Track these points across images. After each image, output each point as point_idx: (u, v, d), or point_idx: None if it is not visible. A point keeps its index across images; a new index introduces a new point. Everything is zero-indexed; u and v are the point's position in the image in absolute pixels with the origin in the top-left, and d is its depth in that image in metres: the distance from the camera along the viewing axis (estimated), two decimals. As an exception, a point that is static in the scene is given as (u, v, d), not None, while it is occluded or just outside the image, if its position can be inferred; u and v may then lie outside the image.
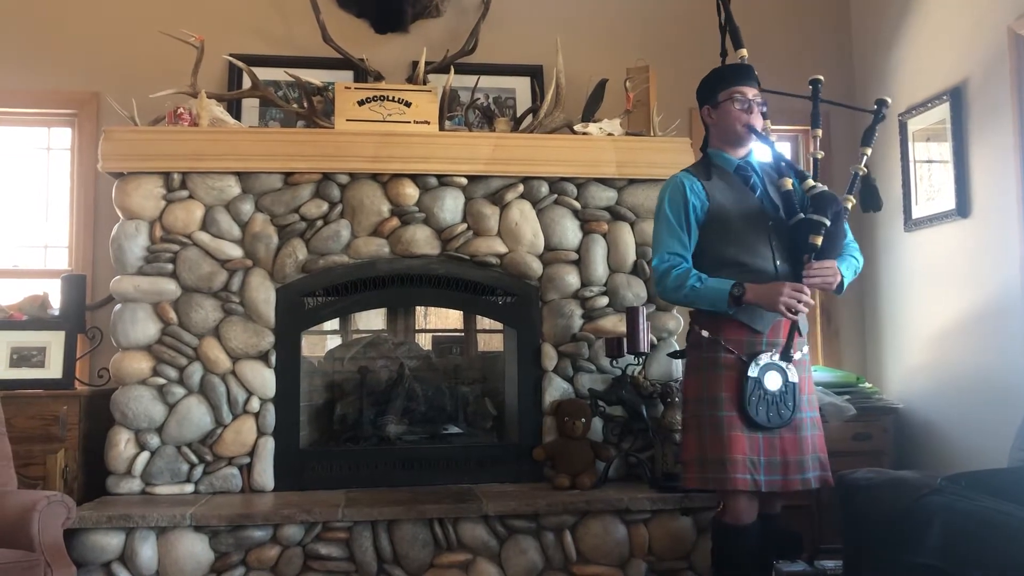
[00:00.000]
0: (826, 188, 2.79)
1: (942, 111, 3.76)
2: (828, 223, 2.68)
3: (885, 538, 2.92)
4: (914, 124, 3.97)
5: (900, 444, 3.89)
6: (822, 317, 4.41)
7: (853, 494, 3.17)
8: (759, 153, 3.00)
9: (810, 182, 2.79)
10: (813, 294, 2.75)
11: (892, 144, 4.12)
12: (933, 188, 3.85)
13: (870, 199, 2.96)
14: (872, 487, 3.11)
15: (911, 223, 3.97)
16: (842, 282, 2.78)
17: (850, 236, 2.90)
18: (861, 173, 2.88)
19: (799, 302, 2.65)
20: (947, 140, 3.73)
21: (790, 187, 2.82)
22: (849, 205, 2.80)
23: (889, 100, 2.95)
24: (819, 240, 2.69)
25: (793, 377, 2.72)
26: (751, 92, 2.88)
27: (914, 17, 4.00)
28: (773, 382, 2.71)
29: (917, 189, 3.96)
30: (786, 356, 2.72)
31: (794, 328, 2.72)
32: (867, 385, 4.02)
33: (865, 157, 2.88)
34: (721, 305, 2.72)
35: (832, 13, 4.54)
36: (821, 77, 2.99)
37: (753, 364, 2.71)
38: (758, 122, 2.88)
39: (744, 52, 3.03)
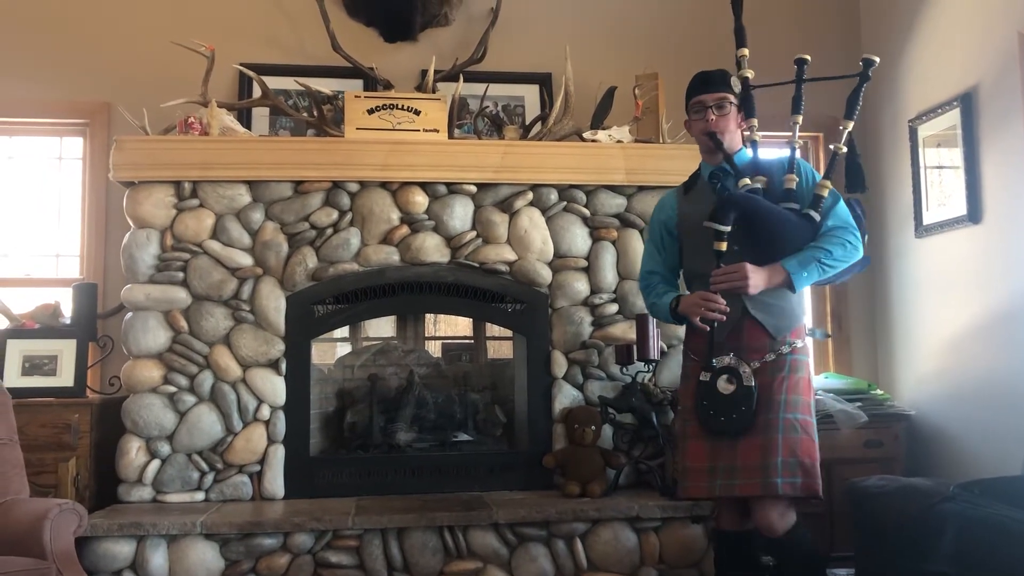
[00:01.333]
0: (758, 186, 2.77)
1: (952, 117, 3.74)
2: (726, 229, 2.66)
3: (898, 546, 2.91)
4: (924, 130, 3.96)
5: (912, 451, 3.87)
6: (833, 323, 4.39)
7: (865, 501, 3.17)
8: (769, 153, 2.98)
9: (745, 181, 2.79)
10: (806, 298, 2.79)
11: (903, 150, 4.11)
12: (944, 194, 3.83)
13: (853, 179, 2.86)
14: (884, 494, 3.11)
15: (922, 229, 3.96)
16: (791, 279, 2.66)
17: (840, 220, 2.73)
18: (840, 151, 2.82)
19: (712, 310, 2.69)
20: (958, 146, 3.71)
21: (758, 186, 2.80)
22: (825, 192, 2.73)
23: (876, 59, 2.87)
24: (722, 246, 2.69)
25: (748, 381, 2.67)
26: (711, 98, 2.85)
27: (924, 23, 3.99)
28: (726, 387, 2.70)
29: (928, 195, 3.94)
30: (707, 364, 2.71)
31: (711, 335, 2.71)
32: (879, 392, 4.00)
33: (846, 132, 2.82)
34: (668, 319, 2.90)
35: (841, 19, 4.53)
36: (807, 57, 2.94)
37: (704, 370, 2.72)
38: (722, 125, 2.83)
39: (745, 51, 2.98)
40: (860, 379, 4.11)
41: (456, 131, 3.83)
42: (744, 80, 2.89)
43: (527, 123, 4.05)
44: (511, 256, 3.73)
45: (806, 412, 2.68)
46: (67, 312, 3.75)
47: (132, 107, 3.72)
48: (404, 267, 3.69)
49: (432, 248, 3.68)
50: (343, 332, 4.18)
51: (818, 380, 4.03)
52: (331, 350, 4.26)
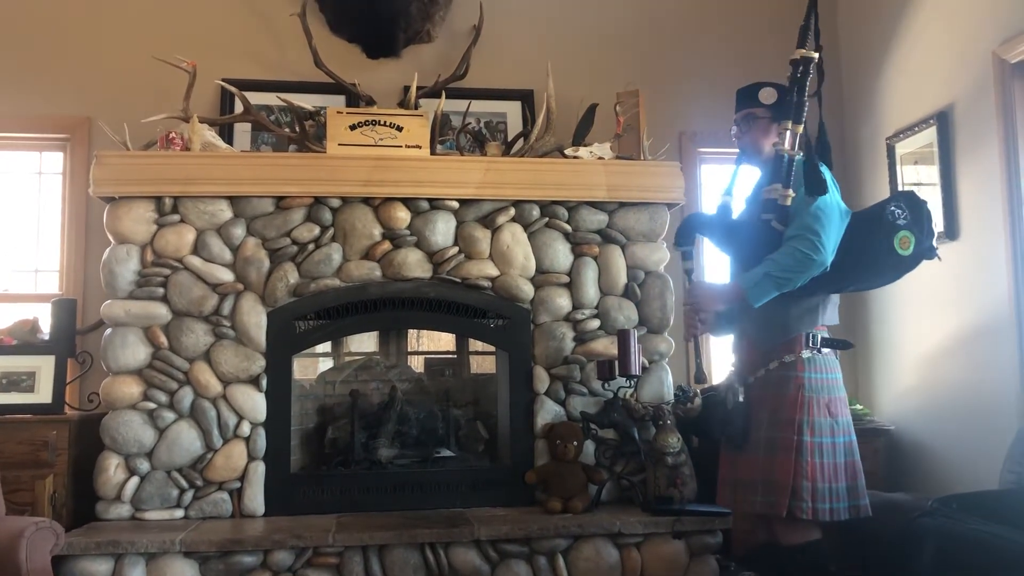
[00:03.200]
0: (727, 202, 2.87)
1: (929, 135, 3.80)
2: (686, 248, 2.88)
3: (878, 560, 2.92)
4: (902, 148, 4.01)
5: (892, 466, 3.89)
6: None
7: (845, 517, 3.17)
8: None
9: (726, 198, 2.91)
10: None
11: (880, 167, 4.16)
12: (921, 210, 3.87)
13: (811, 182, 2.71)
14: (864, 510, 3.11)
15: (900, 245, 3.99)
16: (746, 294, 2.64)
17: (796, 228, 2.64)
18: (791, 155, 2.71)
19: (689, 327, 2.81)
20: (935, 163, 3.76)
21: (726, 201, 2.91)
22: (787, 200, 2.68)
23: (814, 55, 2.76)
24: (687, 265, 2.89)
25: (740, 396, 2.71)
26: (737, 116, 2.91)
27: (901, 42, 4.05)
28: (730, 402, 2.74)
29: (905, 211, 3.98)
30: (699, 378, 2.89)
31: (696, 349, 2.90)
32: (858, 407, 4.02)
33: (796, 136, 2.73)
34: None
35: (820, 32, 4.57)
36: (813, 54, 2.85)
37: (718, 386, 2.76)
38: (746, 141, 2.88)
39: (802, 52, 2.85)
40: (840, 394, 4.13)
41: (438, 147, 3.84)
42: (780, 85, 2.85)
43: (509, 139, 4.07)
44: (493, 272, 3.73)
45: (788, 430, 2.62)
46: (46, 328, 3.72)
47: (113, 122, 3.71)
48: (386, 283, 3.69)
49: (414, 264, 3.68)
50: (325, 348, 4.17)
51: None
52: (313, 366, 4.24)
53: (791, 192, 2.69)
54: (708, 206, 4.32)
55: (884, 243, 2.66)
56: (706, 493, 3.49)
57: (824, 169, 2.73)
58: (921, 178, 3.90)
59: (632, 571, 3.30)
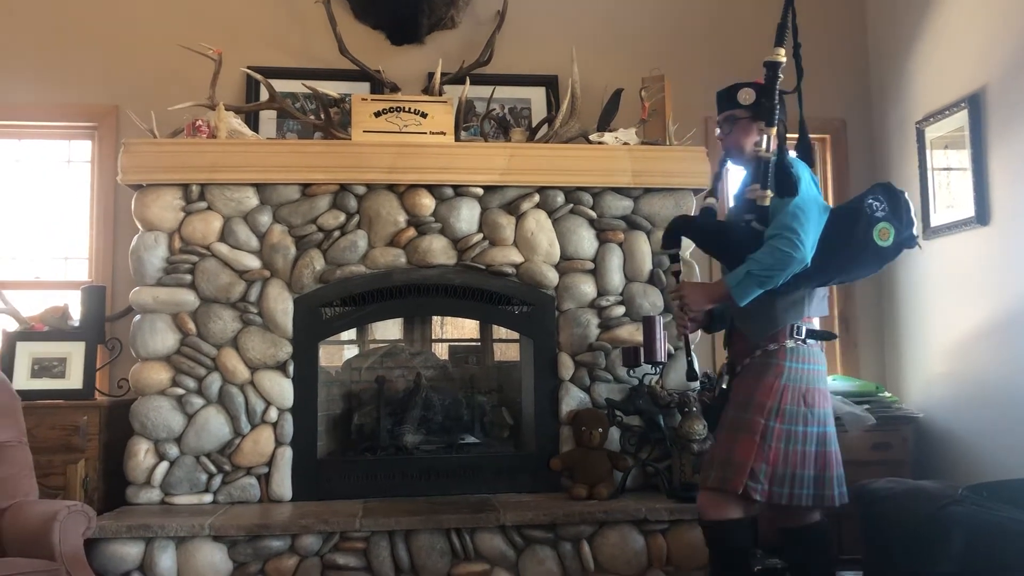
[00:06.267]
0: (710, 204, 2.87)
1: (960, 118, 3.74)
2: (672, 251, 2.97)
3: (906, 548, 2.90)
4: (932, 132, 3.95)
5: (920, 454, 3.86)
6: (840, 325, 4.38)
7: (873, 504, 3.16)
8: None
9: (710, 200, 2.90)
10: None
11: (910, 152, 4.10)
12: (952, 196, 3.82)
13: (781, 183, 2.67)
14: (892, 497, 3.10)
15: (929, 231, 3.95)
16: (731, 292, 2.64)
17: (776, 227, 2.62)
18: (766, 156, 2.68)
19: (680, 324, 2.88)
20: (965, 148, 3.70)
21: (710, 204, 2.92)
22: (766, 201, 2.66)
23: (781, 60, 2.69)
24: (674, 267, 2.98)
25: (724, 385, 2.83)
26: (719, 118, 2.88)
27: (931, 23, 3.99)
28: (717, 391, 2.88)
29: (935, 197, 3.94)
30: (690, 376, 2.97)
31: (686, 348, 3.00)
32: (886, 394, 3.99)
33: (768, 137, 2.69)
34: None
35: (847, 19, 4.53)
36: (781, 59, 2.73)
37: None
38: (729, 143, 2.84)
39: (781, 51, 2.77)
40: (868, 381, 4.10)
41: (463, 134, 3.84)
42: (758, 85, 2.80)
43: (533, 125, 4.06)
44: (518, 258, 3.73)
45: (757, 414, 2.63)
46: (76, 315, 3.77)
47: (140, 110, 3.74)
48: (411, 269, 3.70)
49: (439, 250, 3.68)
50: (350, 334, 4.19)
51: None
52: (338, 352, 4.27)
53: (769, 193, 2.70)
54: (723, 201, 4.29)
55: (864, 235, 2.68)
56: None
57: (802, 168, 2.74)
58: (951, 163, 3.85)
59: (658, 557, 3.30)
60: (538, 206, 3.76)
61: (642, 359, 3.57)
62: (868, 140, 4.46)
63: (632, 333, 3.71)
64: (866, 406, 3.78)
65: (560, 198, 3.76)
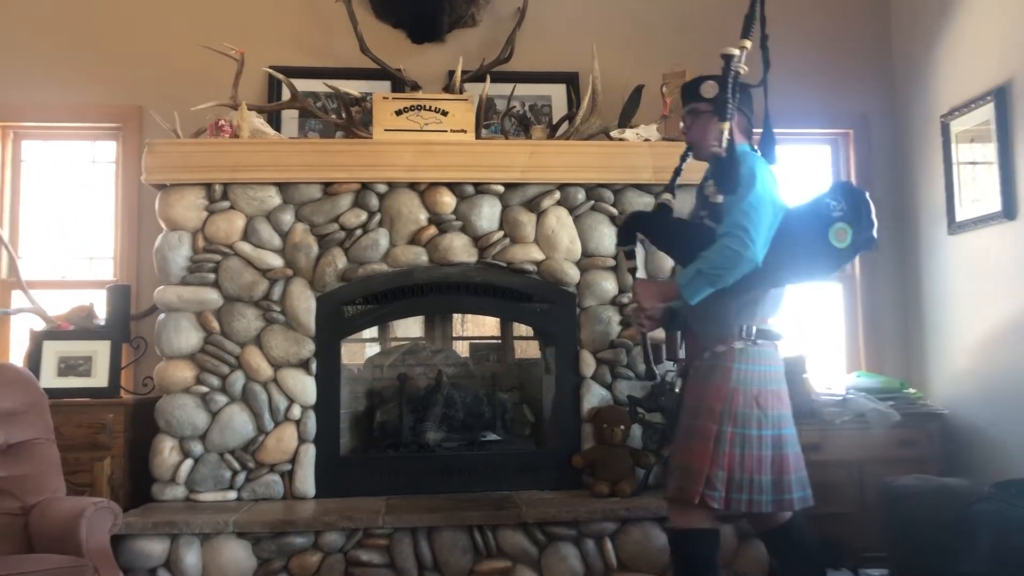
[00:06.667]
0: (665, 201, 2.86)
1: (986, 111, 3.69)
2: (628, 248, 2.93)
3: (932, 547, 2.87)
4: (957, 125, 3.91)
5: (947, 451, 3.81)
6: (864, 321, 4.35)
7: (899, 502, 3.13)
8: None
9: (666, 196, 2.88)
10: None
11: (934, 146, 4.06)
12: (978, 190, 3.78)
13: (724, 180, 2.63)
14: (918, 495, 3.07)
15: (955, 226, 3.91)
16: (682, 292, 2.60)
17: (726, 226, 2.56)
18: (718, 152, 2.64)
19: (637, 324, 2.88)
20: (992, 141, 3.66)
21: (665, 201, 2.93)
22: (719, 198, 2.61)
23: (734, 52, 2.62)
24: (630, 264, 2.98)
25: (676, 388, 2.79)
26: (684, 111, 2.84)
27: (956, 15, 3.94)
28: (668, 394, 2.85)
29: (961, 191, 3.89)
30: (648, 375, 3.05)
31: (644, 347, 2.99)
32: (911, 391, 3.95)
33: (724, 134, 2.62)
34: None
35: (870, 9, 4.48)
36: (735, 51, 2.65)
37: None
38: (692, 136, 2.79)
39: (747, 43, 2.72)
40: (892, 378, 4.06)
41: (483, 131, 3.84)
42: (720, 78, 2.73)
43: (554, 122, 4.05)
44: (539, 256, 3.73)
45: (708, 419, 2.57)
46: (101, 313, 3.80)
47: (163, 110, 3.76)
48: (432, 267, 3.70)
49: (460, 248, 3.68)
50: (372, 332, 4.21)
51: (850, 379, 4.00)
52: (360, 350, 4.28)
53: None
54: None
55: (819, 236, 2.59)
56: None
57: (759, 164, 2.66)
58: (976, 157, 3.81)
59: (680, 555, 3.28)
60: (559, 203, 3.75)
61: (664, 356, 3.55)
62: (892, 135, 4.41)
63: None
64: (891, 403, 3.74)
65: (581, 195, 3.75)
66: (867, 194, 2.66)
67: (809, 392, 3.78)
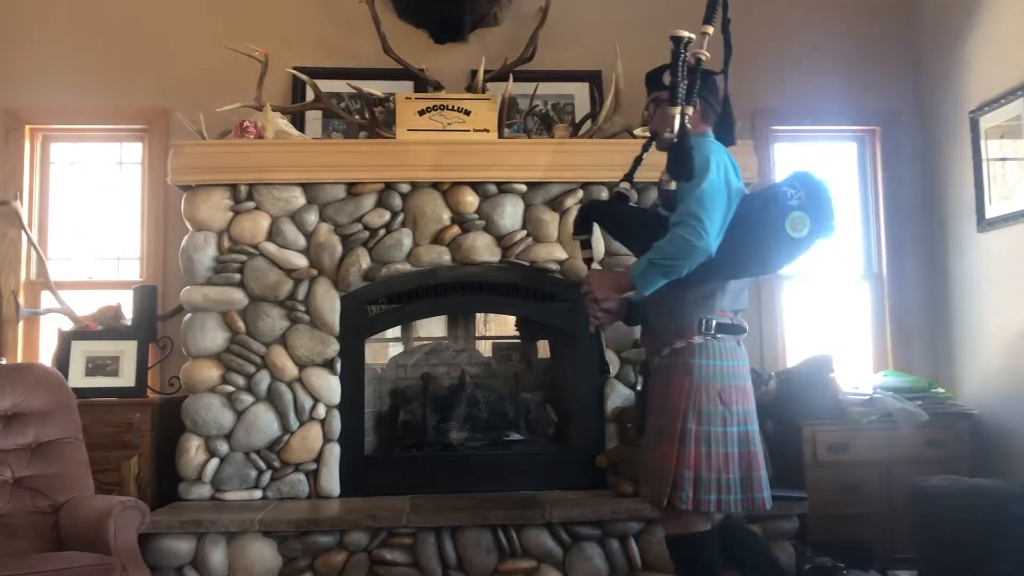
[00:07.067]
0: (622, 190, 2.79)
1: (1017, 107, 3.64)
2: (583, 237, 2.82)
3: (963, 548, 2.84)
4: (987, 121, 3.85)
5: (977, 451, 3.76)
6: (892, 320, 4.30)
7: (929, 502, 3.10)
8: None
9: (624, 185, 2.81)
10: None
11: (963, 142, 4.01)
12: (1008, 187, 3.73)
13: (678, 166, 2.55)
14: (948, 495, 3.04)
15: (984, 223, 3.85)
16: (635, 281, 2.52)
17: (678, 215, 2.48)
18: (670, 138, 2.57)
19: (592, 316, 2.73)
20: (1022, 137, 3.61)
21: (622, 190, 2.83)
22: (670, 185, 2.54)
23: (684, 35, 2.55)
24: (585, 253, 2.85)
25: (639, 384, 2.69)
26: (648, 99, 2.79)
27: (985, 7, 3.88)
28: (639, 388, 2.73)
29: (991, 188, 3.84)
30: (601, 369, 2.86)
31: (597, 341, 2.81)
32: (940, 390, 3.90)
33: (676, 119, 2.54)
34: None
35: (897, 4, 4.43)
36: (684, 34, 2.57)
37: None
38: (656, 124, 2.73)
39: (709, 29, 2.64)
40: (920, 377, 4.01)
41: (506, 131, 3.83)
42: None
43: (577, 121, 4.04)
44: (561, 255, 3.72)
45: (673, 418, 2.51)
46: (128, 314, 3.84)
47: (189, 112, 3.79)
48: (455, 267, 3.71)
49: (483, 247, 3.68)
50: (395, 332, 4.21)
51: (877, 378, 3.96)
52: (384, 350, 4.29)
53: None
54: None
55: (776, 225, 2.51)
56: (781, 477, 3.44)
57: (717, 151, 2.58)
58: (1006, 153, 3.75)
59: (706, 555, 3.26)
60: (582, 202, 3.74)
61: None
62: (919, 131, 4.36)
63: (678, 329, 3.67)
64: (919, 402, 3.70)
65: (604, 194, 3.74)
66: (826, 183, 2.59)
67: (836, 391, 3.75)
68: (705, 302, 2.57)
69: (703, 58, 2.59)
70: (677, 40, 2.56)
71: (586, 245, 2.84)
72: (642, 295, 2.54)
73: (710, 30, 2.61)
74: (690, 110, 2.56)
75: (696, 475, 2.45)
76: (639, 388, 2.70)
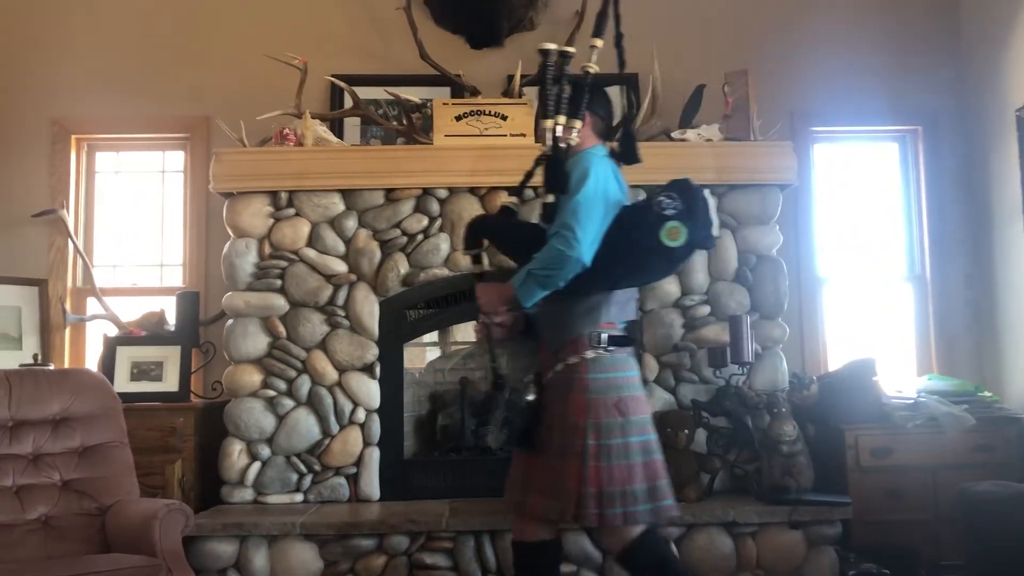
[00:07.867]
0: (510, 204, 2.78)
1: (1064, 104, 3.57)
2: (473, 252, 2.76)
3: (1013, 554, 2.78)
4: (1033, 119, 3.78)
5: (1026, 456, 3.69)
6: (936, 323, 4.23)
7: (977, 508, 3.04)
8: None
9: (512, 199, 2.80)
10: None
11: (1008, 141, 3.93)
12: (1055, 186, 3.65)
13: (548, 180, 2.59)
14: (998, 501, 2.98)
15: (1031, 223, 3.78)
16: (516, 291, 2.52)
17: (554, 226, 2.50)
18: (545, 152, 2.61)
19: (486, 328, 2.71)
20: (1070, 135, 3.54)
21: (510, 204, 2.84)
22: (547, 197, 2.56)
23: (551, 47, 2.58)
24: (474, 268, 2.79)
25: (530, 395, 2.61)
26: None
27: (1030, 6, 3.82)
28: (527, 398, 2.65)
29: (1037, 187, 3.77)
30: (499, 384, 2.83)
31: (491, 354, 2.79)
32: (987, 394, 3.82)
33: (548, 133, 2.58)
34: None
35: (939, 2, 4.36)
36: (550, 47, 2.61)
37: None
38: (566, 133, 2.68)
39: (599, 42, 2.68)
40: (965, 381, 3.93)
41: (543, 135, 3.83)
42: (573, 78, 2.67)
43: (613, 125, 4.02)
44: (600, 259, 3.70)
45: (574, 434, 2.48)
46: (171, 319, 3.89)
47: (230, 120, 3.84)
48: (492, 272, 3.71)
49: (521, 252, 3.68)
50: (432, 336, 4.22)
51: (921, 382, 3.89)
52: (422, 354, 4.30)
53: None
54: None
55: (651, 235, 2.50)
56: (824, 482, 3.40)
57: (597, 162, 2.58)
58: (1054, 151, 3.68)
59: (747, 561, 3.24)
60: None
61: (729, 359, 3.50)
62: (963, 130, 4.29)
63: (718, 333, 3.65)
64: (964, 406, 3.63)
65: (641, 196, 3.71)
66: (705, 191, 2.59)
67: (879, 395, 3.69)
68: (590, 314, 2.57)
69: (590, 71, 2.60)
70: (545, 52, 2.59)
71: (476, 260, 2.80)
72: (524, 306, 2.55)
73: (599, 43, 2.63)
74: (578, 124, 2.59)
75: (599, 491, 2.43)
76: (531, 399, 2.62)
